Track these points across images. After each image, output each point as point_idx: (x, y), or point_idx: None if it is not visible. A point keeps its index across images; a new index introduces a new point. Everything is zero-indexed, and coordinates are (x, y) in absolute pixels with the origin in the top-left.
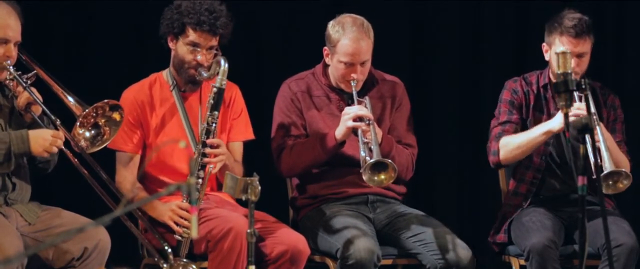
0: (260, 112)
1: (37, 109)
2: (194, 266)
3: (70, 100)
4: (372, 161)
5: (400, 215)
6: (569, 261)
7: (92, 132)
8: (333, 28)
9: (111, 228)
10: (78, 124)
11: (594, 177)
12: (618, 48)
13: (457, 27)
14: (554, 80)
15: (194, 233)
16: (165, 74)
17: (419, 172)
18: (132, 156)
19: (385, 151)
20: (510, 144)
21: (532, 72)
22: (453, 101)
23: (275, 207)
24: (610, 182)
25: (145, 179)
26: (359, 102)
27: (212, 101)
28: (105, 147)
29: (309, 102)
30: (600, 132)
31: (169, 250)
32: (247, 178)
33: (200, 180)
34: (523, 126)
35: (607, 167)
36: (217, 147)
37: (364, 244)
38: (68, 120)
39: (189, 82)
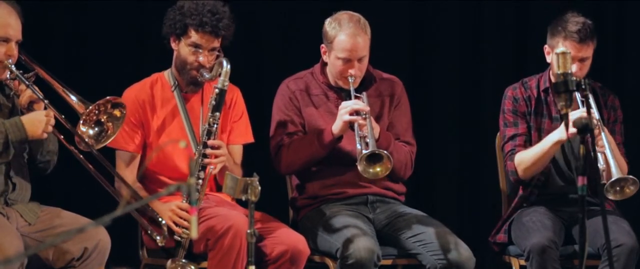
0: (260, 113)
1: (40, 107)
2: (193, 267)
3: (72, 98)
4: (367, 152)
5: (400, 215)
6: (569, 261)
7: (96, 129)
8: (330, 25)
9: (111, 228)
10: (81, 122)
11: (603, 182)
12: (618, 48)
13: (457, 27)
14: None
15: (194, 233)
16: (167, 74)
17: (419, 172)
18: (133, 155)
19: (383, 147)
20: (525, 161)
21: (531, 76)
22: (453, 100)
23: (275, 207)
24: (617, 188)
25: (145, 179)
26: (356, 98)
27: (213, 102)
28: (104, 147)
29: (307, 100)
30: (605, 138)
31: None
32: (247, 178)
33: (200, 181)
34: (530, 133)
35: (614, 173)
36: (218, 148)
37: (364, 244)
38: (68, 119)
39: (191, 83)
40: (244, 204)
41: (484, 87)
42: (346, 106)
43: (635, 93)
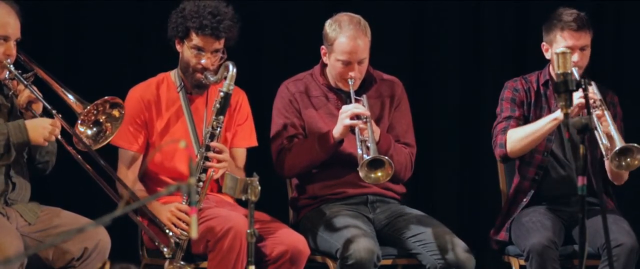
0: (260, 115)
1: (38, 107)
2: None
3: (70, 98)
4: (368, 158)
5: (400, 215)
6: (569, 261)
7: (94, 129)
8: (330, 26)
9: (111, 228)
10: (79, 122)
11: (606, 157)
12: (617, 46)
13: (457, 27)
14: (554, 76)
15: (194, 233)
16: (173, 75)
17: (419, 172)
18: (136, 155)
19: (383, 149)
20: (517, 134)
21: (531, 73)
22: (453, 100)
23: (275, 207)
24: (623, 163)
25: (146, 178)
26: (356, 101)
27: (218, 105)
28: (106, 147)
29: (307, 102)
30: (608, 116)
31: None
32: (247, 178)
33: (201, 183)
34: (525, 123)
35: (618, 144)
36: (220, 152)
37: (364, 244)
38: (67, 119)
39: (195, 85)
40: (244, 204)
41: (484, 87)
42: (347, 110)
43: (634, 92)
